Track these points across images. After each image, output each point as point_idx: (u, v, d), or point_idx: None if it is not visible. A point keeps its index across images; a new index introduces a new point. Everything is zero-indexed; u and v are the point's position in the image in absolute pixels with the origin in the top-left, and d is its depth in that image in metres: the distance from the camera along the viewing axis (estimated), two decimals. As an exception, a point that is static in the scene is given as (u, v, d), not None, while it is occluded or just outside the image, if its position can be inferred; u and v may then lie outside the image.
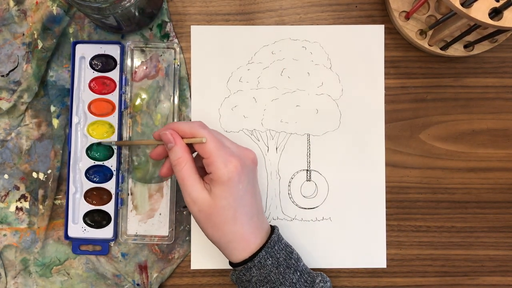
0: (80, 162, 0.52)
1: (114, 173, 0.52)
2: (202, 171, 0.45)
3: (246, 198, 0.45)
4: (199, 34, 0.54)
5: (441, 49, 0.52)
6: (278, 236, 0.47)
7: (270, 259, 0.45)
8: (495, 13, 0.42)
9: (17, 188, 0.53)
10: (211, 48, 0.54)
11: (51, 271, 0.53)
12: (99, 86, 0.52)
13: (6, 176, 0.53)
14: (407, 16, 0.52)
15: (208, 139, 0.43)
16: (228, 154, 0.43)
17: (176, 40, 0.53)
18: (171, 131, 0.45)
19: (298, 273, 0.46)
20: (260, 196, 0.48)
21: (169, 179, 0.53)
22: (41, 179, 0.53)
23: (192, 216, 0.53)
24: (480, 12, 0.41)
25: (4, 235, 0.53)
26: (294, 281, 0.45)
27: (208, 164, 0.43)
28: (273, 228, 0.48)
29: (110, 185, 0.52)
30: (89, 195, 0.52)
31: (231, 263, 0.47)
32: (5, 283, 0.52)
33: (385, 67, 0.54)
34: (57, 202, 0.53)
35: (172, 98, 0.53)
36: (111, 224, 0.52)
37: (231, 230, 0.44)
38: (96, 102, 0.52)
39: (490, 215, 0.54)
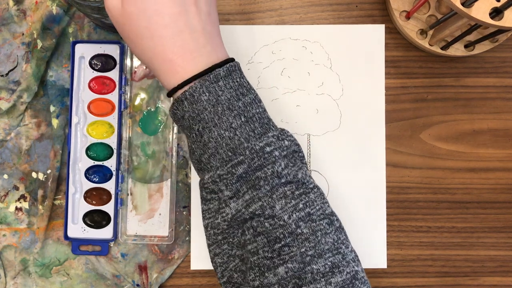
0: (80, 162, 0.52)
1: (114, 173, 0.52)
2: None
3: (161, 4, 0.36)
4: (199, 34, 0.53)
5: (441, 49, 0.52)
6: (230, 72, 0.38)
7: (207, 94, 0.37)
8: (496, 13, 0.42)
9: (17, 188, 0.53)
10: (211, 48, 0.53)
11: (50, 272, 0.52)
12: (99, 86, 0.52)
13: (5, 176, 0.53)
14: (408, 15, 0.52)
15: None
16: None
17: (176, 40, 0.53)
18: None
19: (243, 119, 0.37)
20: (207, 14, 0.39)
21: (169, 179, 0.53)
22: (41, 179, 0.52)
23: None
24: (480, 12, 0.41)
25: (4, 235, 0.52)
26: (234, 125, 0.37)
27: None
28: (229, 61, 0.39)
29: (110, 185, 0.52)
30: (88, 195, 0.52)
31: (168, 94, 0.39)
32: (5, 283, 0.52)
33: (385, 67, 0.54)
34: (57, 202, 0.53)
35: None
36: (111, 224, 0.52)
37: (148, 46, 0.37)
38: (95, 102, 0.52)
39: (491, 215, 0.54)
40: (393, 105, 0.54)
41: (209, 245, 0.40)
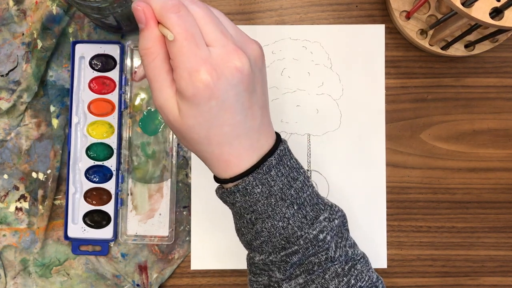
0: (80, 162, 0.52)
1: (114, 173, 0.52)
2: None
3: (224, 116, 0.34)
4: (199, 34, 0.53)
5: (441, 49, 0.52)
6: (280, 157, 0.37)
7: (260, 187, 0.36)
8: (496, 12, 0.42)
9: (17, 188, 0.53)
10: (211, 48, 0.53)
11: (50, 272, 0.52)
12: (99, 86, 0.52)
13: (5, 176, 0.53)
14: (408, 15, 0.52)
15: (178, 35, 0.32)
16: (198, 59, 0.32)
17: (176, 40, 0.53)
18: (146, 6, 0.33)
19: (295, 207, 0.37)
20: (260, 107, 0.36)
21: (169, 179, 0.53)
22: (41, 179, 0.52)
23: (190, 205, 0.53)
24: (481, 11, 0.41)
25: (4, 235, 0.52)
26: (287, 215, 0.36)
27: (172, 67, 0.33)
28: (277, 144, 0.37)
29: (110, 185, 0.52)
30: (88, 195, 0.52)
31: (214, 177, 0.38)
32: (5, 283, 0.52)
33: (385, 67, 0.54)
34: (57, 202, 0.53)
35: (172, 98, 0.53)
36: (111, 224, 0.52)
37: (206, 150, 0.36)
38: (95, 102, 0.52)
39: (491, 215, 0.54)
40: (393, 105, 0.54)
41: None
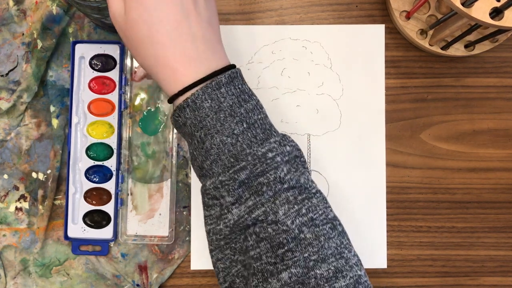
0: (80, 162, 0.52)
1: (114, 173, 0.52)
2: None
3: (163, 12, 0.36)
4: (199, 34, 0.53)
5: (441, 49, 0.52)
6: (231, 78, 0.38)
7: (209, 101, 0.37)
8: (496, 12, 0.42)
9: (17, 188, 0.53)
10: (211, 48, 0.53)
11: (50, 272, 0.52)
12: (99, 86, 0.52)
13: (5, 176, 0.53)
14: (408, 15, 0.52)
15: None
16: None
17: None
18: None
19: (245, 125, 0.37)
20: (207, 19, 0.39)
21: (169, 179, 0.53)
22: (41, 179, 0.52)
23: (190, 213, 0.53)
24: (480, 11, 0.41)
25: (4, 235, 0.52)
26: (236, 132, 0.37)
27: None
28: (230, 68, 0.39)
29: (110, 185, 0.52)
30: (88, 195, 0.52)
31: (169, 100, 0.39)
32: (5, 283, 0.52)
33: (385, 67, 0.54)
34: (57, 202, 0.53)
35: (172, 98, 0.53)
36: (111, 225, 0.52)
37: (151, 53, 0.37)
38: (95, 102, 0.52)
39: (491, 215, 0.54)
40: (393, 105, 0.54)
41: (211, 250, 0.40)
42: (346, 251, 0.37)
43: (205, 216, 0.40)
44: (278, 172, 0.37)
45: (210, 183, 0.38)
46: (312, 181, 0.39)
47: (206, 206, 0.40)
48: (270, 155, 0.37)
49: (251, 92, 0.39)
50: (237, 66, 0.40)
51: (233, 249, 0.39)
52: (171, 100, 0.38)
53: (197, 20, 0.37)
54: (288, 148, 0.38)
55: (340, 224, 0.39)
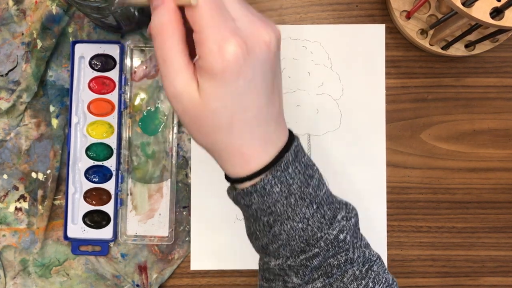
0: (80, 162, 0.52)
1: (114, 173, 0.52)
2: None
3: (250, 98, 0.31)
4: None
5: (442, 48, 0.52)
6: (296, 154, 0.34)
7: (279, 185, 0.33)
8: (496, 12, 0.42)
9: (16, 189, 0.53)
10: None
11: (50, 272, 0.52)
12: (99, 86, 0.52)
13: (5, 176, 0.53)
14: (408, 15, 0.52)
15: (201, 1, 0.29)
16: (228, 30, 0.29)
17: (175, 40, 0.53)
18: None
19: (315, 206, 0.34)
20: (278, 94, 0.34)
21: (169, 179, 0.53)
22: (41, 179, 0.52)
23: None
24: (481, 11, 0.41)
25: (3, 235, 0.52)
26: (307, 216, 0.34)
27: (197, 41, 0.30)
28: (291, 140, 0.35)
29: (110, 185, 0.52)
30: (88, 196, 0.52)
31: (226, 177, 0.35)
32: (5, 283, 0.52)
33: (385, 67, 0.54)
34: (57, 202, 0.53)
35: (172, 98, 0.53)
36: (111, 225, 0.52)
37: (224, 141, 0.32)
38: (95, 102, 0.52)
39: (491, 216, 0.54)
40: (393, 105, 0.54)
41: None
42: None
43: (261, 286, 0.38)
44: (350, 254, 0.35)
45: (275, 264, 0.36)
46: (369, 245, 0.38)
47: (265, 279, 0.38)
48: (341, 237, 0.35)
49: (312, 162, 0.36)
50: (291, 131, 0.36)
51: None
52: (230, 179, 0.34)
53: (275, 99, 0.33)
54: (353, 221, 0.36)
55: (396, 284, 0.38)
